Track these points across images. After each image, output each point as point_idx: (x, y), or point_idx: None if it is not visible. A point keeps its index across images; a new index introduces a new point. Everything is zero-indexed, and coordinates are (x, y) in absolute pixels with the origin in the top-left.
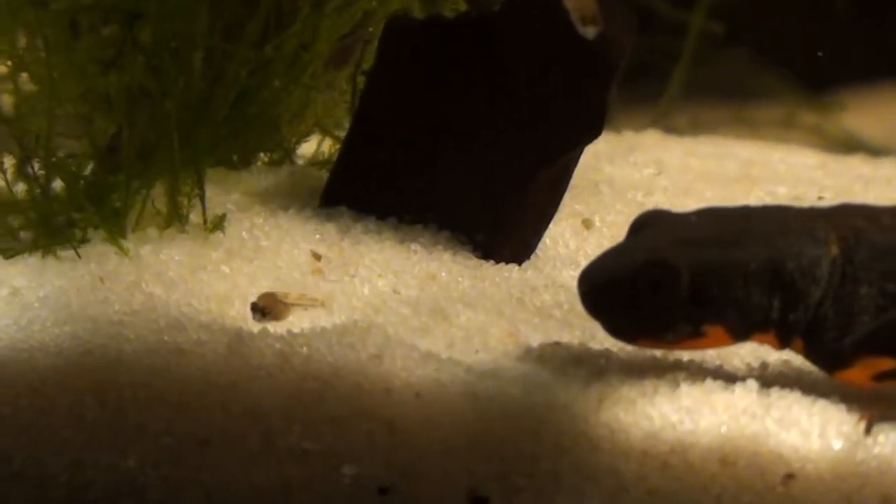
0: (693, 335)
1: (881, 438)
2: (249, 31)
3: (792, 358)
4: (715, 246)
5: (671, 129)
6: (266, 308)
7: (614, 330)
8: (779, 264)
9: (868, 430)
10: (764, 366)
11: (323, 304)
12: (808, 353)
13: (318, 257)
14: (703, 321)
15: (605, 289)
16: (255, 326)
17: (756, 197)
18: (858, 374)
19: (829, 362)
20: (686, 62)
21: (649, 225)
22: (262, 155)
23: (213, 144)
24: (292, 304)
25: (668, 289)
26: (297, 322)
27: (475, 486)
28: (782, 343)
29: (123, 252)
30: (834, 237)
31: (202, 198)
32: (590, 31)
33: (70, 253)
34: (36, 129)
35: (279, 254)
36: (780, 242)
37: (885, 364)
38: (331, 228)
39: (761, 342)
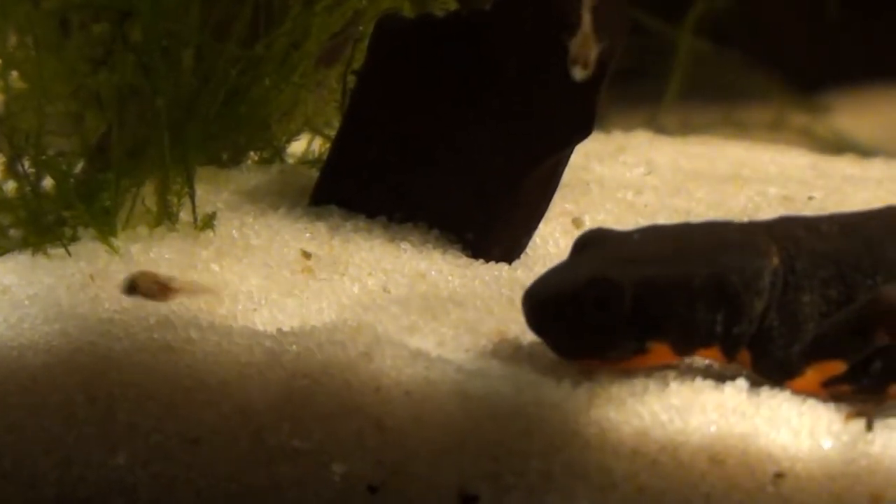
0: (637, 352)
1: (870, 437)
2: (240, 30)
3: None
4: (657, 263)
5: (661, 129)
6: (141, 287)
7: (559, 348)
8: (721, 278)
9: (870, 427)
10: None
11: (213, 293)
12: (756, 366)
13: (307, 256)
14: (647, 338)
15: (550, 306)
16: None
17: (746, 196)
18: (809, 381)
19: (779, 372)
20: (682, 67)
21: (593, 244)
22: (252, 153)
23: (204, 143)
24: (177, 289)
25: (612, 306)
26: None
27: (465, 485)
28: (728, 357)
29: (113, 250)
30: (774, 248)
31: (192, 196)
32: (578, 73)
33: (60, 251)
34: (26, 127)
35: (269, 252)
36: (722, 257)
37: (835, 368)
38: (321, 227)
39: (706, 357)
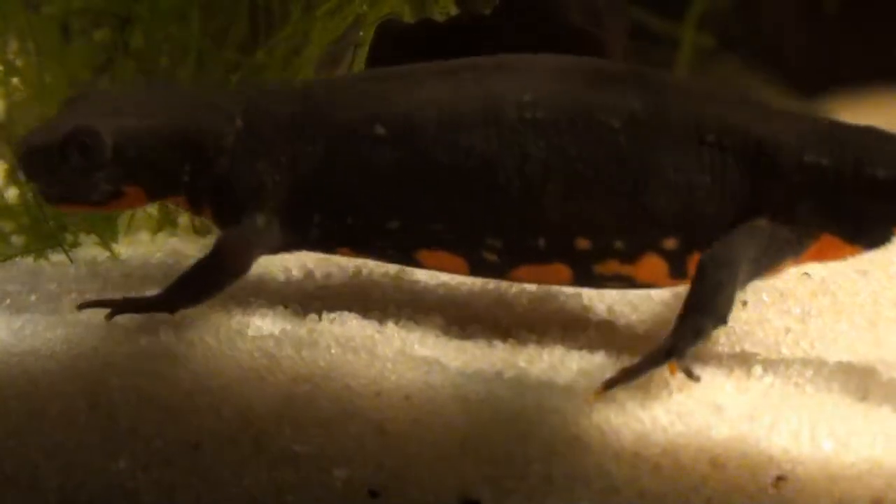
0: (115, 195)
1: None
2: (240, 36)
3: (782, 362)
4: (136, 115)
5: None
6: None
7: (47, 194)
8: (189, 132)
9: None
10: (754, 369)
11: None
12: (216, 219)
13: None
14: (123, 182)
15: (39, 153)
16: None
17: None
18: None
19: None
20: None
21: (83, 99)
22: None
23: None
24: None
25: (93, 152)
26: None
27: (466, 489)
28: (193, 208)
29: (115, 255)
30: (239, 111)
31: None
32: None
33: (62, 257)
34: None
35: (270, 257)
36: (193, 112)
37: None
38: None
39: (176, 205)
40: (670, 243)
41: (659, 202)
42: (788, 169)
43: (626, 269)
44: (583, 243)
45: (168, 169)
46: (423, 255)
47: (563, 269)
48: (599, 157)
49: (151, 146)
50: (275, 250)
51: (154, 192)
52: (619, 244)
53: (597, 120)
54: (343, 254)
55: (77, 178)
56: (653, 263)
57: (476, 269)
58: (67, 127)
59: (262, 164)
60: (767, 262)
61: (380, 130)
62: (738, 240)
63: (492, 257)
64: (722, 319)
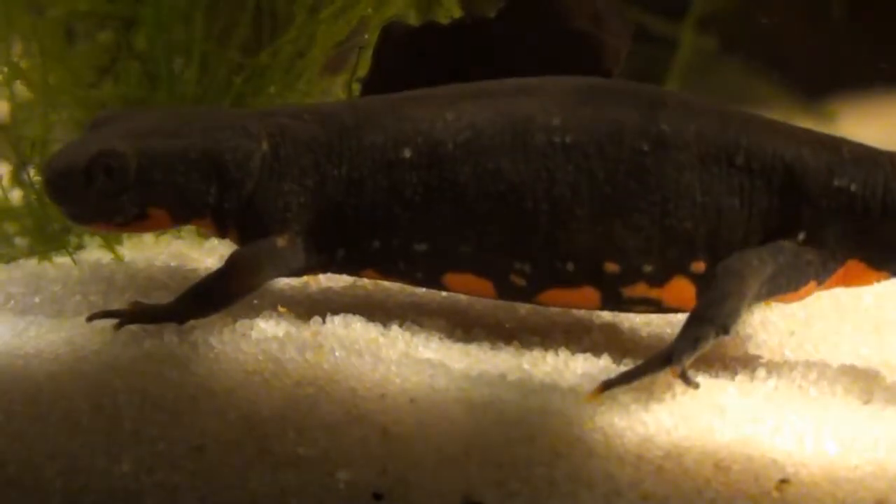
0: (139, 217)
1: (874, 443)
2: (244, 38)
3: (786, 365)
4: (160, 137)
5: None
6: None
7: (73, 215)
8: (216, 154)
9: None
10: (758, 371)
11: None
12: (241, 241)
13: None
14: (148, 204)
15: (65, 175)
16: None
17: None
18: None
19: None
20: (679, 74)
21: (106, 122)
22: None
23: None
24: None
25: (118, 174)
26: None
27: (470, 492)
28: (219, 230)
29: (119, 258)
30: (265, 134)
31: None
32: None
33: (66, 259)
34: (32, 136)
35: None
36: (218, 135)
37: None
38: None
39: (202, 227)
40: (699, 266)
41: (687, 225)
42: (817, 193)
43: (654, 293)
44: (611, 267)
45: (193, 191)
46: (450, 278)
47: (592, 293)
48: (628, 180)
49: (176, 168)
50: (299, 272)
51: (179, 215)
52: (647, 267)
53: (625, 143)
54: (369, 276)
55: (102, 201)
56: (681, 287)
57: (503, 293)
58: (92, 149)
59: (287, 186)
60: (787, 283)
61: (407, 153)
62: (756, 255)
63: (520, 281)
64: (724, 329)
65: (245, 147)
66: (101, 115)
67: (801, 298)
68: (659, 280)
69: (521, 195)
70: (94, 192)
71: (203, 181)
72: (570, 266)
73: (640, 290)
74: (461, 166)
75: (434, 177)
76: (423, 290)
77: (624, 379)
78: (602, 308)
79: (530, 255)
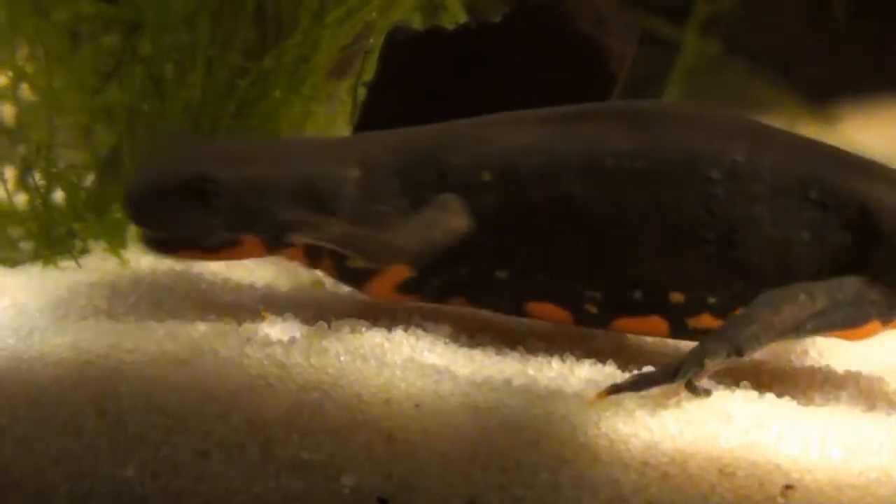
0: (231, 244)
1: (878, 449)
2: (249, 42)
3: (790, 371)
4: (252, 162)
5: None
6: None
7: (157, 240)
8: (310, 181)
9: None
10: (763, 378)
11: None
12: (336, 271)
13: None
14: (241, 230)
15: (154, 198)
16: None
17: None
18: (381, 286)
19: (354, 278)
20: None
21: (180, 143)
22: None
23: None
24: None
25: (212, 199)
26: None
27: (474, 497)
28: (311, 260)
29: (124, 262)
30: (356, 160)
31: None
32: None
33: (71, 263)
34: (37, 140)
35: (280, 264)
36: (311, 162)
37: (402, 273)
38: None
39: (292, 258)
40: None
41: (754, 257)
42: (890, 233)
43: (718, 324)
44: (677, 297)
45: (287, 219)
46: (532, 307)
47: (661, 323)
48: (696, 208)
49: (272, 195)
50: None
51: (272, 243)
52: (712, 299)
53: (697, 171)
54: (456, 304)
55: (193, 225)
56: None
57: (580, 320)
58: (185, 171)
59: (381, 211)
60: (843, 321)
61: (486, 176)
62: (805, 290)
63: (593, 309)
64: (739, 352)
65: (338, 174)
66: (172, 138)
67: (863, 337)
68: (723, 312)
69: (591, 221)
70: (186, 216)
71: (297, 209)
72: (637, 295)
73: (704, 320)
74: (535, 190)
75: (510, 200)
76: None
77: (632, 387)
78: (671, 337)
79: (601, 283)
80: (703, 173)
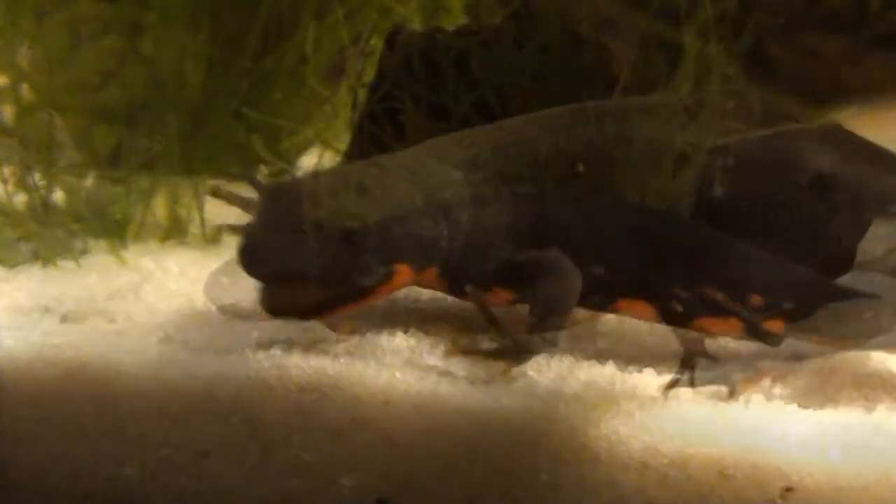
0: (385, 277)
1: (878, 451)
2: (250, 43)
3: (790, 372)
4: (379, 190)
5: None
6: None
7: (305, 302)
8: (440, 198)
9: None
10: (763, 379)
11: None
12: (447, 283)
13: None
14: (392, 261)
15: (295, 252)
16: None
17: None
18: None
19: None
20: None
21: (278, 196)
22: (262, 167)
23: (213, 156)
24: None
25: (359, 238)
26: None
27: (474, 498)
28: (451, 282)
29: (123, 263)
30: (467, 170)
31: (201, 209)
32: None
33: (71, 264)
34: (37, 140)
35: None
36: (433, 179)
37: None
38: None
39: (425, 283)
40: None
41: (829, 266)
42: None
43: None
44: (756, 300)
45: (430, 239)
46: (622, 303)
47: (738, 324)
48: (781, 213)
49: (413, 219)
50: None
51: (419, 267)
52: (788, 304)
53: (784, 175)
54: None
55: (343, 269)
56: None
57: (665, 318)
58: (322, 218)
59: (503, 217)
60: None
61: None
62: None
63: (677, 307)
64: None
65: (460, 188)
66: (267, 192)
67: None
68: (796, 318)
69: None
70: (333, 262)
71: (435, 227)
72: (720, 296)
73: (777, 325)
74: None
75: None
76: (428, 296)
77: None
78: (745, 338)
79: (685, 280)
80: (790, 178)
